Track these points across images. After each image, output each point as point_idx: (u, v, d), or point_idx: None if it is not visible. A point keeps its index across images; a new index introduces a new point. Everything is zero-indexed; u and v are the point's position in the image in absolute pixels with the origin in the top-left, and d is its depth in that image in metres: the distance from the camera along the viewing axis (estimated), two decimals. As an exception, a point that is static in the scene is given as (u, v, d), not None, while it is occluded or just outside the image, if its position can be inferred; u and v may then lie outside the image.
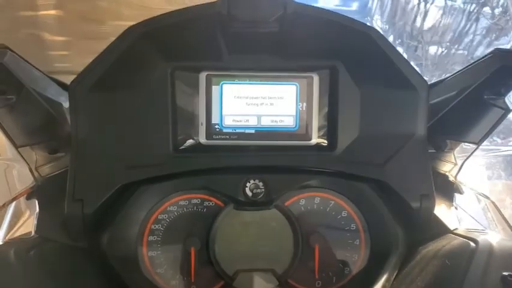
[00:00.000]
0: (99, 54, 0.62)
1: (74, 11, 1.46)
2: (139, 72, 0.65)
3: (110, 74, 0.62)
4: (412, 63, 0.66)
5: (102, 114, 0.64)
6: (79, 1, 1.49)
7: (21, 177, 0.86)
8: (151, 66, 0.65)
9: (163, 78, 0.66)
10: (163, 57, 0.65)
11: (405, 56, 0.68)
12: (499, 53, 0.64)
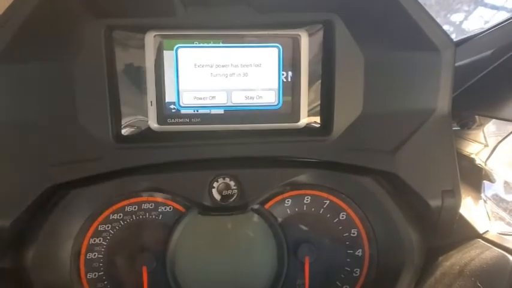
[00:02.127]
0: (5, 10, 0.51)
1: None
2: (63, 33, 0.54)
3: (22, 38, 0.52)
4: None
5: (17, 92, 0.54)
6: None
7: None
8: (79, 26, 0.54)
9: (94, 42, 0.55)
10: (93, 13, 0.54)
11: None
12: None
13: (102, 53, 0.55)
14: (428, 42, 0.56)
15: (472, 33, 0.66)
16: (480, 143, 0.67)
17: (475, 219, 0.62)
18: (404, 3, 0.53)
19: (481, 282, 0.52)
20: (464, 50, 0.63)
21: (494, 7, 1.93)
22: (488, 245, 0.58)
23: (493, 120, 0.65)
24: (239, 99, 0.58)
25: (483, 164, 0.67)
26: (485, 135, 0.67)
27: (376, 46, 0.57)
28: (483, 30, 0.63)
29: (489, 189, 0.66)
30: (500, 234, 0.60)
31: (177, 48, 0.56)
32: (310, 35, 0.58)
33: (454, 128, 0.65)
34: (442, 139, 0.58)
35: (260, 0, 0.55)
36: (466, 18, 2.76)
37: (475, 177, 0.67)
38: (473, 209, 0.63)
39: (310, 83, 0.60)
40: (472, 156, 0.68)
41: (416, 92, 0.58)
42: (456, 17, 2.77)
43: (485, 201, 0.64)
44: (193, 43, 0.56)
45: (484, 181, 0.66)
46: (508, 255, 0.53)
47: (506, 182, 0.70)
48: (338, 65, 0.58)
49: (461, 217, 0.61)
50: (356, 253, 0.62)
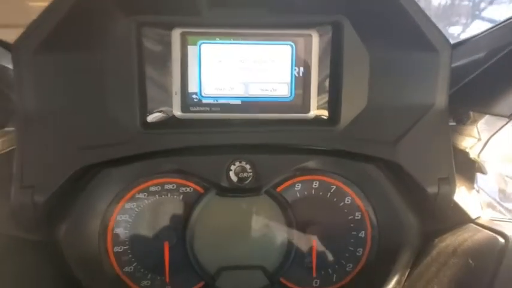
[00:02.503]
0: (47, 7, 0.53)
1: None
2: (97, 29, 0.56)
3: (60, 31, 0.54)
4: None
5: (54, 81, 0.56)
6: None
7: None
8: (112, 22, 0.57)
9: (126, 37, 0.57)
10: (125, 10, 0.57)
11: None
12: None
13: (132, 47, 0.58)
14: (428, 43, 0.58)
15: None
16: (474, 137, 0.68)
17: (469, 206, 0.64)
18: (407, 7, 0.55)
19: (473, 260, 0.54)
20: (460, 52, 0.65)
21: (491, 20, 1.92)
22: (480, 228, 0.60)
23: (486, 116, 0.66)
24: (255, 91, 0.61)
25: (476, 157, 0.69)
26: (478, 130, 0.67)
27: (380, 45, 0.60)
28: (478, 33, 0.65)
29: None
30: (491, 219, 0.63)
31: (201, 44, 0.59)
32: (320, 34, 0.61)
33: (450, 123, 0.66)
34: (439, 132, 0.61)
35: (275, 2, 0.57)
36: (463, 30, 2.76)
37: (469, 169, 0.68)
38: (467, 198, 0.65)
39: (320, 78, 0.62)
40: (467, 150, 0.69)
41: (416, 88, 0.61)
42: (454, 30, 2.77)
43: (477, 191, 0.67)
44: (215, 40, 0.59)
45: (477, 173, 0.68)
46: (497, 236, 0.55)
47: (501, 190, 0.73)
48: (345, 62, 0.60)
49: (456, 204, 0.63)
50: (359, 234, 0.65)
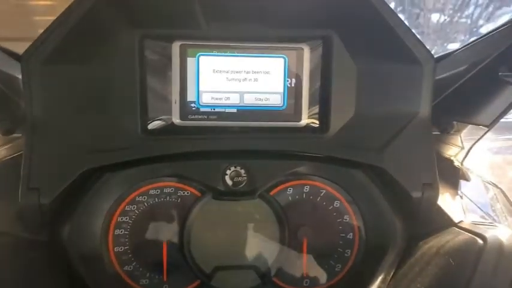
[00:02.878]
0: (55, 19, 0.55)
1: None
2: (102, 41, 0.58)
3: (67, 43, 0.56)
4: (414, 31, 0.60)
5: (60, 89, 0.58)
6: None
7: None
8: (116, 35, 0.59)
9: (129, 49, 0.59)
10: (129, 23, 0.59)
11: (406, 23, 0.60)
12: None
13: (135, 59, 0.59)
14: (413, 56, 0.59)
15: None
16: (458, 146, 0.71)
17: (452, 211, 0.66)
18: (391, 23, 0.57)
19: (453, 260, 0.55)
20: (444, 65, 0.67)
21: None
22: (462, 231, 0.61)
23: (469, 126, 0.69)
24: (250, 100, 0.63)
25: (460, 165, 0.72)
26: (461, 139, 0.71)
27: (367, 58, 0.62)
28: (460, 47, 0.67)
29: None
30: (472, 223, 0.64)
31: (199, 56, 0.61)
32: (311, 48, 0.63)
33: (435, 133, 0.69)
34: (423, 139, 0.62)
35: (269, 18, 0.59)
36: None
37: (453, 176, 0.71)
38: (451, 203, 0.67)
39: (311, 89, 0.64)
40: (451, 158, 0.72)
41: (401, 98, 0.62)
42: (452, 46, 2.80)
43: (461, 197, 0.69)
44: (212, 52, 0.61)
45: (461, 180, 0.70)
46: (477, 238, 0.57)
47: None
48: (334, 74, 0.62)
49: (440, 209, 0.65)
50: (347, 236, 0.66)
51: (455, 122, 0.69)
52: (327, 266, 0.66)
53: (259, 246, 0.65)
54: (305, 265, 0.65)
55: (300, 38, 0.63)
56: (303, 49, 0.63)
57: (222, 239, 0.64)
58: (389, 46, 0.60)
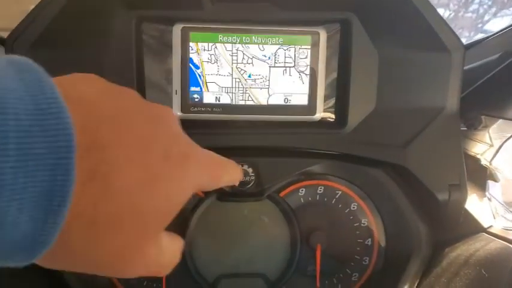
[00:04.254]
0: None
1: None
2: (96, 23, 0.55)
3: (57, 25, 0.53)
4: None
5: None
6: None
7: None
8: (110, 16, 0.55)
9: (125, 32, 0.56)
10: (125, 4, 0.55)
11: None
12: None
13: (131, 43, 0.56)
14: (440, 43, 0.56)
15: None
16: (486, 143, 0.67)
17: (480, 215, 0.63)
18: (418, 5, 0.54)
19: (486, 271, 0.53)
20: (473, 53, 0.64)
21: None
22: (492, 237, 0.59)
23: (498, 121, 0.65)
24: (259, 91, 0.59)
25: (488, 164, 0.67)
26: (490, 136, 0.67)
27: (390, 45, 0.58)
28: (492, 34, 0.64)
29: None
30: (504, 229, 0.61)
31: (203, 41, 0.57)
32: (328, 32, 0.59)
33: (462, 129, 0.65)
34: (450, 136, 0.59)
35: None
36: (467, 42, 2.82)
37: (480, 176, 0.67)
38: (478, 206, 0.64)
39: (327, 79, 0.61)
40: (478, 156, 0.68)
41: (427, 90, 0.59)
42: None
43: (489, 200, 0.65)
44: (218, 37, 0.57)
45: (489, 180, 0.66)
46: (510, 245, 0.55)
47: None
48: (354, 62, 0.59)
49: (467, 212, 0.62)
50: (366, 242, 0.63)
51: (483, 117, 0.66)
52: (343, 275, 0.64)
53: (267, 252, 0.63)
54: (318, 274, 0.62)
55: (316, 22, 0.59)
56: (319, 34, 0.59)
57: (227, 244, 0.62)
58: (414, 31, 0.57)
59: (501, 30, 0.61)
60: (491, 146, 0.66)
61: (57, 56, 0.53)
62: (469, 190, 0.61)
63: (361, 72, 0.59)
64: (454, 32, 0.56)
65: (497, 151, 0.65)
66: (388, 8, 0.56)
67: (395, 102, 0.60)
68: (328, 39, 0.59)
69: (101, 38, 0.55)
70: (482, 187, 0.66)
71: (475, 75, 0.62)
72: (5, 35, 0.62)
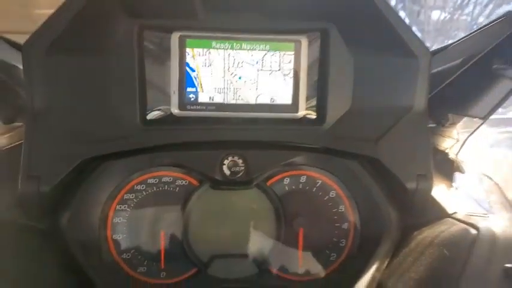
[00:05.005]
0: (55, 10, 0.57)
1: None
2: (102, 31, 0.60)
3: (67, 34, 0.57)
4: (414, 28, 0.60)
5: (60, 80, 0.59)
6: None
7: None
8: (116, 25, 0.60)
9: (129, 39, 0.61)
10: (129, 13, 0.60)
11: (407, 20, 0.61)
12: (511, 17, 0.59)
13: (134, 49, 0.61)
14: (408, 50, 0.61)
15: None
16: (453, 138, 0.72)
17: (447, 202, 0.67)
18: (389, 17, 0.59)
19: (447, 250, 0.57)
20: (440, 58, 0.68)
21: None
22: (455, 221, 0.63)
23: (464, 118, 0.69)
24: (248, 92, 0.64)
25: (455, 157, 0.72)
26: (457, 132, 0.71)
27: (364, 51, 0.63)
28: (456, 40, 0.68)
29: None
30: (467, 214, 0.64)
31: (198, 47, 0.62)
32: (309, 40, 0.64)
33: (431, 126, 0.71)
34: (418, 132, 0.63)
35: (268, 9, 0.60)
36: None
37: (447, 168, 0.71)
38: (445, 195, 0.68)
39: (308, 81, 0.65)
40: (447, 150, 0.73)
41: (397, 91, 0.64)
42: None
43: (456, 189, 0.70)
44: (211, 43, 0.62)
45: (456, 172, 0.70)
46: (470, 228, 0.58)
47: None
48: (332, 67, 0.64)
49: (435, 200, 0.66)
50: (342, 226, 0.67)
51: (450, 115, 0.70)
52: (323, 256, 0.68)
53: (256, 235, 0.67)
54: (301, 255, 0.66)
55: (298, 31, 0.64)
56: (301, 41, 0.64)
57: (220, 228, 0.66)
58: (386, 39, 0.62)
59: (463, 38, 0.66)
60: (458, 140, 0.71)
61: (69, 61, 0.59)
62: (437, 180, 0.65)
63: (339, 75, 0.64)
64: (421, 40, 0.61)
65: (462, 145, 0.71)
66: (362, 19, 0.61)
67: (368, 101, 0.64)
68: (309, 46, 0.64)
69: (107, 44, 0.60)
70: (449, 178, 0.71)
71: (442, 78, 0.67)
72: (11, 38, 0.68)
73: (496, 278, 0.51)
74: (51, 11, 0.57)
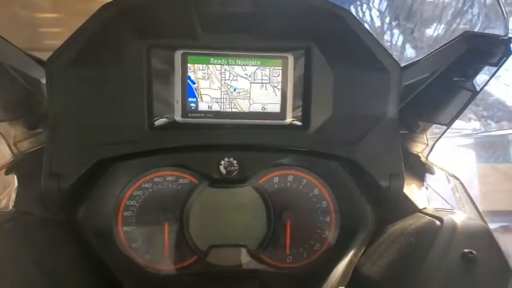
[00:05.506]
0: (75, 31, 0.63)
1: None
2: (115, 49, 0.66)
3: (85, 51, 0.63)
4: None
5: (78, 90, 0.65)
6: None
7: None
8: (127, 44, 0.66)
9: (138, 56, 0.66)
10: (138, 34, 0.66)
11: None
12: (466, 36, 0.65)
13: (143, 65, 0.66)
14: (381, 65, 0.67)
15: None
16: (423, 143, 0.78)
17: (418, 199, 0.73)
18: (363, 37, 0.65)
19: (414, 238, 0.62)
20: (411, 72, 0.72)
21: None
22: (424, 215, 0.68)
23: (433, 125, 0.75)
24: (242, 101, 0.70)
25: (425, 160, 0.78)
26: (427, 137, 0.77)
27: (342, 66, 0.69)
28: (422, 57, 0.72)
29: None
30: (435, 209, 0.72)
31: (198, 62, 0.68)
32: (295, 57, 0.70)
33: (403, 132, 0.77)
34: (390, 136, 0.69)
35: (259, 30, 0.67)
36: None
37: (419, 169, 0.77)
38: (416, 193, 0.74)
39: (295, 92, 0.71)
40: (419, 154, 0.79)
41: (372, 101, 0.69)
42: None
43: (426, 188, 0.76)
44: (209, 59, 0.69)
45: (426, 173, 0.77)
46: (435, 220, 0.64)
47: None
48: (314, 80, 0.69)
49: (407, 197, 0.72)
50: (325, 219, 0.73)
51: (421, 122, 0.76)
52: (307, 245, 0.73)
53: (249, 227, 0.72)
54: (288, 244, 0.72)
55: (285, 48, 0.70)
56: (287, 58, 0.70)
57: (217, 221, 0.71)
58: (361, 56, 0.67)
59: (430, 53, 0.72)
60: (427, 145, 0.77)
61: (86, 75, 0.65)
62: (410, 180, 0.72)
63: (320, 87, 0.70)
64: (392, 57, 0.67)
65: (431, 149, 0.77)
66: (340, 39, 0.67)
67: (347, 110, 0.70)
68: (295, 62, 0.70)
69: (119, 60, 0.66)
70: (421, 178, 0.77)
71: (412, 89, 0.72)
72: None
73: (455, 260, 0.56)
74: (54, 29, 0.62)
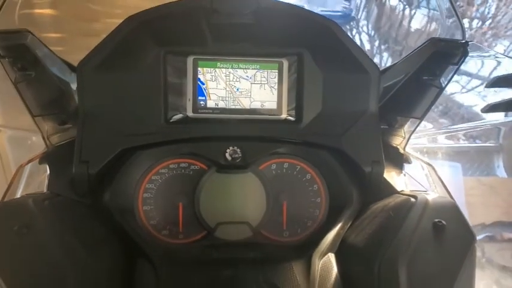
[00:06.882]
0: (103, 39, 0.71)
1: (69, 10, 1.55)
2: (136, 55, 0.72)
3: (111, 56, 0.70)
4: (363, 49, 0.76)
5: (105, 91, 0.72)
6: (73, 2, 1.58)
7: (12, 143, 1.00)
8: (147, 51, 0.73)
9: (156, 61, 0.73)
10: (157, 43, 0.73)
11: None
12: (433, 41, 0.76)
13: (160, 68, 0.73)
14: (362, 68, 0.74)
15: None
16: (401, 136, 0.87)
17: (397, 184, 0.81)
18: (347, 44, 0.73)
19: (392, 212, 0.70)
20: (389, 74, 0.82)
21: (467, 74, 1.91)
22: (401, 195, 0.77)
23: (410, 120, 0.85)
24: (244, 100, 0.79)
25: (403, 151, 0.88)
26: (404, 131, 0.87)
27: (330, 69, 0.76)
28: (398, 61, 0.83)
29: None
30: (411, 191, 0.80)
31: (207, 66, 0.77)
32: (289, 61, 0.77)
33: (383, 127, 0.85)
34: (372, 128, 0.77)
35: (258, 39, 0.75)
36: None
37: (398, 159, 0.86)
38: (396, 178, 0.83)
39: (289, 92, 0.78)
40: (397, 146, 0.89)
41: (356, 98, 0.77)
42: None
43: (404, 175, 0.85)
44: (217, 64, 0.78)
45: (404, 162, 0.87)
46: (411, 198, 0.71)
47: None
48: (306, 81, 0.77)
49: (387, 182, 0.80)
50: (316, 200, 0.80)
51: (398, 118, 0.85)
52: (301, 222, 0.80)
53: (250, 207, 0.78)
54: (285, 221, 0.79)
55: (281, 54, 0.77)
56: (282, 62, 0.78)
57: (223, 201, 0.77)
58: (346, 61, 0.75)
59: (404, 57, 0.82)
60: (404, 138, 0.88)
61: (111, 76, 0.73)
62: (390, 168, 0.81)
63: (311, 87, 0.78)
64: (372, 61, 0.76)
65: (407, 141, 0.88)
66: (328, 46, 0.74)
67: (334, 106, 0.78)
68: (289, 66, 0.79)
69: (140, 64, 0.73)
70: (400, 167, 0.87)
71: (390, 89, 0.82)
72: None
73: (427, 228, 0.64)
74: (54, 35, 0.65)
